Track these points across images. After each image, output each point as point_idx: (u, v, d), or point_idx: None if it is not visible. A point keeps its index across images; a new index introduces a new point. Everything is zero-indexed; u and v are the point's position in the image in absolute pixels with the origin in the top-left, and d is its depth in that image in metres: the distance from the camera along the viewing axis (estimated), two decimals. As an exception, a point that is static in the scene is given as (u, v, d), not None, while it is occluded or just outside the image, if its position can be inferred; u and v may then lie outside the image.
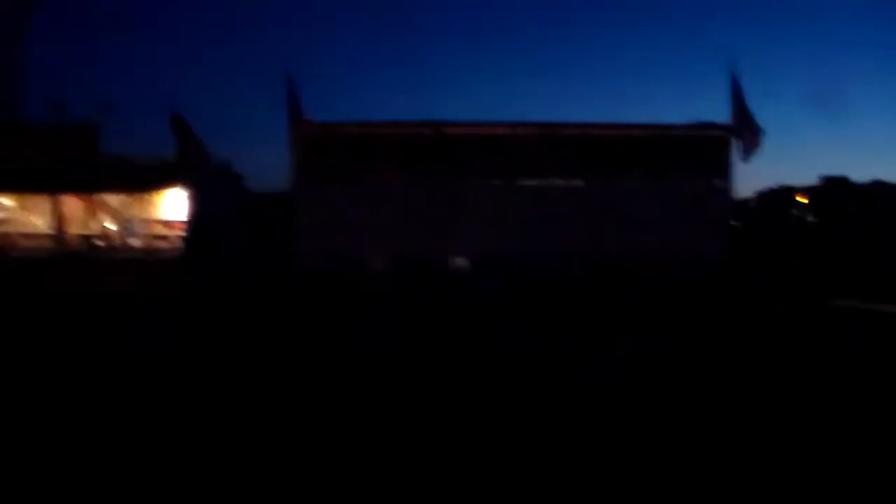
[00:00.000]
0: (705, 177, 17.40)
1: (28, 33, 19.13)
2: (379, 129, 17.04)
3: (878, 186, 27.58)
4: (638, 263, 16.64)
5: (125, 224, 18.86)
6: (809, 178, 37.58)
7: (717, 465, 5.00)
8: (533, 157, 17.19)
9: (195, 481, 4.87)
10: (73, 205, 18.90)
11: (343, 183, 16.84)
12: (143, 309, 14.86)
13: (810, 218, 28.11)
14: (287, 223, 18.21)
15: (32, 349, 10.20)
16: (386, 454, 5.44)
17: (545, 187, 17.28)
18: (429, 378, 8.32)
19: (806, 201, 28.85)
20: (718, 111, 18.20)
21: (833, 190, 27.77)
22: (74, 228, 18.88)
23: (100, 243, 18.45)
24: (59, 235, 17.79)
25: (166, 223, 18.90)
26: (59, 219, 17.65)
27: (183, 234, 18.44)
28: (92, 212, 18.93)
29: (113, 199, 18.94)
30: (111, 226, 18.96)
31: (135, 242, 18.74)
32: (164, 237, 18.77)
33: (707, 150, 17.42)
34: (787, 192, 28.92)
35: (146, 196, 18.74)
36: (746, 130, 17.22)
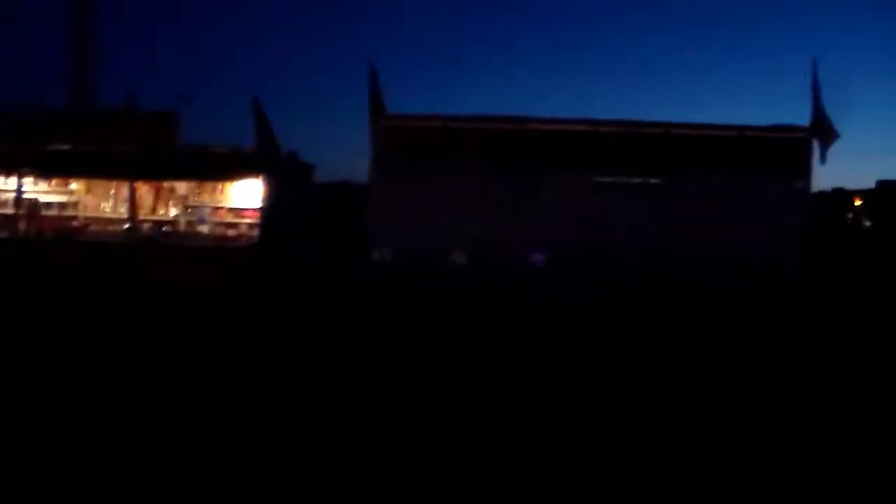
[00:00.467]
0: (784, 178, 17.26)
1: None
2: (460, 123, 16.94)
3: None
4: (714, 263, 16.53)
5: (195, 211, 18.82)
6: (866, 181, 37.35)
7: None
8: (612, 155, 17.08)
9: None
10: (143, 191, 18.88)
11: (422, 176, 16.78)
12: (220, 298, 14.87)
13: (866, 222, 27.92)
14: (361, 214, 18.16)
15: (123, 338, 10.18)
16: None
17: (623, 184, 17.15)
18: (507, 371, 8.24)
19: (860, 204, 28.63)
20: (796, 113, 18.05)
21: (890, 194, 27.55)
22: (144, 215, 18.88)
23: (170, 230, 18.38)
24: (131, 221, 17.71)
25: (234, 211, 18.84)
26: (133, 205, 17.58)
27: (252, 222, 18.41)
28: (162, 198, 18.89)
29: (181, 187, 18.92)
30: (181, 213, 18.93)
31: (204, 230, 18.68)
32: (232, 225, 18.72)
33: (786, 151, 17.28)
34: (843, 195, 28.71)
35: (215, 184, 18.69)
36: (824, 133, 17.11)
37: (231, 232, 18.60)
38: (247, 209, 18.65)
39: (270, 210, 16.96)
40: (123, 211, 19.18)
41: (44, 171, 18.11)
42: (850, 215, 28.69)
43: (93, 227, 18.61)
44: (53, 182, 19.07)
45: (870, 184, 29.87)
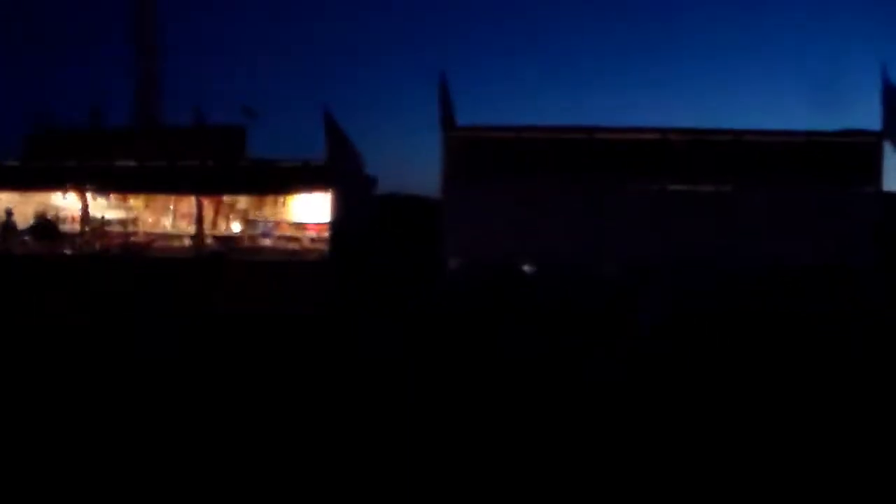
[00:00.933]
0: (855, 183, 17.19)
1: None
2: (530, 133, 16.89)
3: None
4: (787, 270, 16.49)
5: (259, 225, 18.78)
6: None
7: None
8: (682, 163, 17.03)
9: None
10: (205, 206, 18.83)
11: (494, 187, 16.74)
12: (308, 312, 14.85)
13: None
14: (426, 226, 18.13)
15: (216, 357, 10.12)
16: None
17: (693, 193, 17.09)
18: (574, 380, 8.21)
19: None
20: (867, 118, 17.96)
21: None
22: (209, 230, 18.83)
23: (236, 245, 18.33)
24: (198, 237, 17.67)
25: (296, 225, 18.81)
26: (200, 221, 17.53)
27: (314, 236, 18.37)
28: (222, 213, 18.85)
29: (242, 201, 18.88)
30: (244, 227, 18.89)
31: (267, 243, 18.63)
32: (294, 239, 18.67)
33: (857, 156, 17.20)
34: None
35: (276, 197, 18.66)
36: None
37: (293, 245, 18.55)
38: (309, 223, 18.62)
39: (341, 223, 16.87)
40: (183, 226, 19.17)
41: (110, 188, 18.06)
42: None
43: (158, 243, 18.57)
44: (112, 198, 19.07)
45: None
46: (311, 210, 18.49)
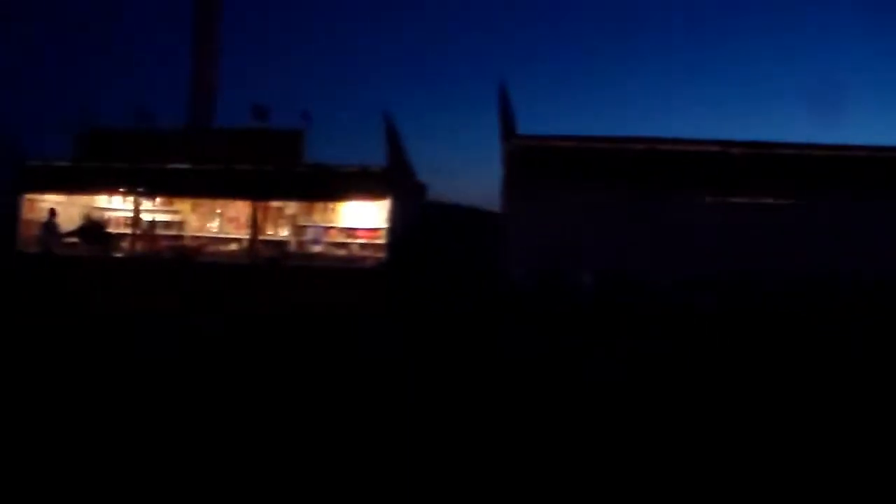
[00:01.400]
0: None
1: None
2: (591, 143, 16.76)
3: None
4: (848, 284, 16.43)
5: (309, 231, 18.58)
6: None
7: None
8: (743, 175, 16.95)
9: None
10: (252, 210, 18.62)
11: (553, 197, 16.61)
12: (370, 319, 14.68)
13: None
14: (479, 236, 18.01)
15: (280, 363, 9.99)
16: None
17: (755, 205, 17.01)
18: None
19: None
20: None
21: None
22: (258, 234, 18.62)
23: (286, 251, 18.13)
24: (251, 242, 17.47)
25: (346, 231, 18.60)
26: (255, 225, 17.33)
27: (364, 242, 18.19)
28: (269, 218, 18.62)
29: (291, 206, 18.64)
30: (293, 232, 18.68)
31: (318, 250, 18.43)
32: (344, 245, 18.48)
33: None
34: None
35: (326, 203, 18.44)
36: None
37: (341, 252, 18.36)
38: (359, 229, 18.42)
39: (396, 230, 16.71)
40: (230, 230, 18.96)
41: (162, 191, 17.84)
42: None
43: (208, 248, 18.35)
44: (158, 201, 18.83)
45: None
46: (360, 216, 18.30)
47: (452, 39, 59.33)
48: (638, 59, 60.01)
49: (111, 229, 18.62)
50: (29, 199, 18.18)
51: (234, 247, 18.82)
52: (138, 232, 17.96)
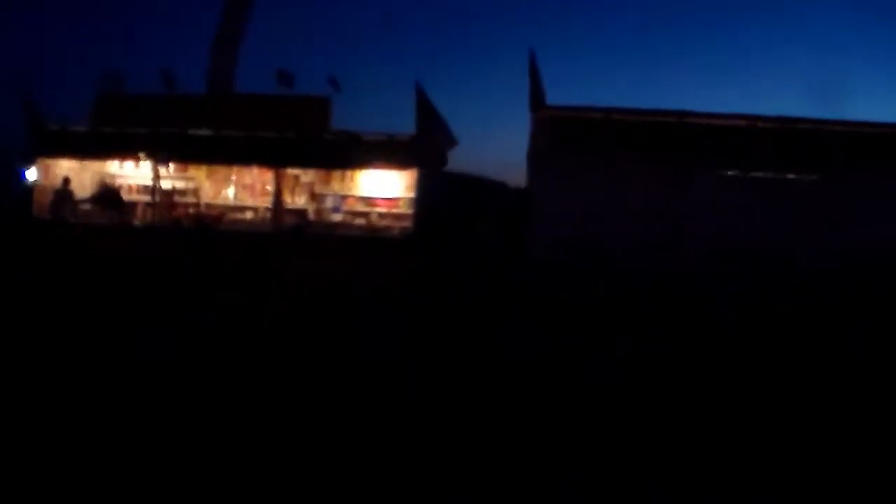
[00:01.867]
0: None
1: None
2: (621, 115, 16.74)
3: None
4: (870, 260, 16.59)
5: (328, 200, 18.37)
6: None
7: None
8: (769, 150, 17.03)
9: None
10: (266, 178, 18.39)
11: (581, 169, 16.57)
12: (403, 291, 14.50)
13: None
14: (504, 207, 17.94)
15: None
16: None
17: (779, 180, 17.13)
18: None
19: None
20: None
21: None
22: (267, 202, 18.39)
23: (306, 219, 17.91)
24: (277, 210, 17.24)
25: (365, 200, 18.41)
26: (279, 193, 17.09)
27: (383, 211, 18.06)
28: (286, 186, 18.35)
29: (309, 174, 18.38)
30: (310, 201, 18.45)
31: (337, 218, 18.25)
32: (363, 214, 18.31)
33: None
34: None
35: (344, 171, 18.22)
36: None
37: (361, 221, 18.20)
38: (378, 198, 18.25)
39: (422, 200, 16.58)
40: (245, 198, 18.72)
41: (182, 157, 17.52)
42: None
43: (227, 216, 18.11)
44: (172, 168, 18.48)
45: None
46: (379, 184, 18.13)
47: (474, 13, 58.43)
48: (665, 32, 59.61)
49: (126, 196, 18.28)
50: (45, 164, 17.75)
51: (249, 215, 18.60)
52: (160, 200, 17.57)
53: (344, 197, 18.41)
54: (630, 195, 16.70)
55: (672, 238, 16.87)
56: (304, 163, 16.93)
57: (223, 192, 18.91)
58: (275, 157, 16.68)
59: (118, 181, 18.74)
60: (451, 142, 16.80)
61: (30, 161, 17.50)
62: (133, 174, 18.62)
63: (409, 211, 17.65)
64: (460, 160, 19.80)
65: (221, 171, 18.72)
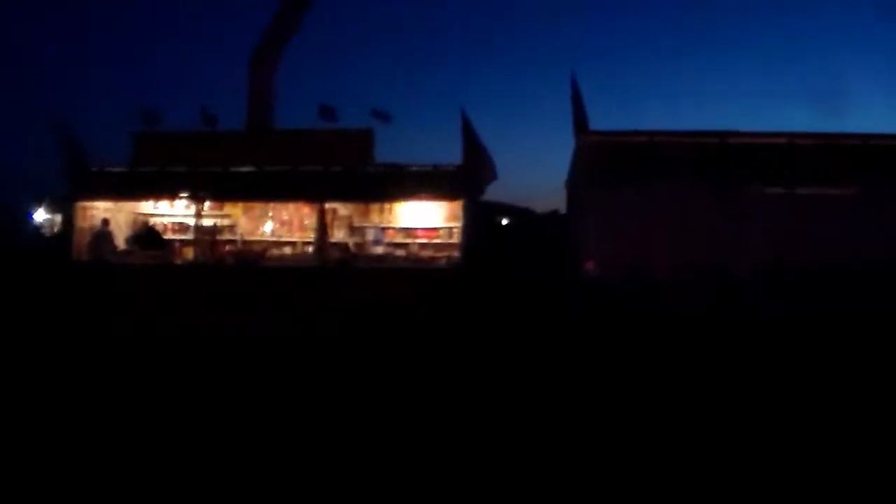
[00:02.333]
0: None
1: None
2: (664, 137, 16.80)
3: None
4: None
5: (370, 232, 18.31)
6: None
7: None
8: (811, 166, 17.11)
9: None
10: (304, 213, 18.31)
11: (626, 192, 16.61)
12: (463, 321, 14.46)
13: None
14: (540, 234, 17.93)
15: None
16: None
17: (822, 196, 17.19)
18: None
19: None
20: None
21: None
22: (304, 237, 18.29)
23: (348, 253, 17.80)
24: (322, 245, 17.14)
25: (405, 231, 18.38)
26: (323, 228, 16.99)
27: (424, 242, 18.03)
28: (328, 220, 18.25)
29: (347, 207, 18.31)
30: (349, 234, 18.37)
31: (379, 251, 18.18)
32: (403, 246, 18.26)
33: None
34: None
35: (382, 204, 18.18)
36: None
37: (400, 252, 18.14)
38: (418, 228, 18.22)
39: (471, 230, 16.54)
40: (283, 233, 18.63)
41: (225, 195, 17.43)
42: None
43: (273, 252, 17.99)
44: (207, 205, 18.35)
45: None
46: (418, 215, 18.12)
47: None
48: (700, 53, 59.94)
49: (166, 235, 18.15)
50: (82, 207, 17.61)
51: (288, 250, 18.50)
52: (202, 237, 17.42)
53: (384, 229, 18.38)
54: (676, 217, 16.73)
55: (719, 257, 16.89)
56: (349, 196, 16.85)
57: (260, 228, 18.80)
58: (318, 192, 16.57)
59: (154, 220, 18.61)
60: (493, 175, 16.77)
61: (68, 203, 17.32)
62: (170, 213, 18.51)
63: (450, 241, 17.64)
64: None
65: (258, 206, 18.63)
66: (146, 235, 17.35)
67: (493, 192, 18.21)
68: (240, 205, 18.58)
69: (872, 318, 15.64)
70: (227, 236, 18.64)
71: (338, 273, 16.13)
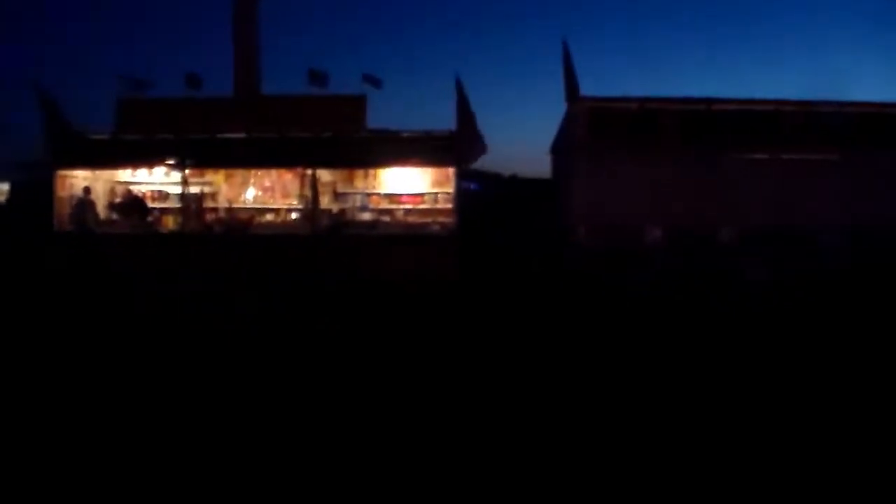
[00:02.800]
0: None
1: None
2: (653, 104, 17.01)
3: None
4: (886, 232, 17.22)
5: (356, 199, 18.12)
6: None
7: None
8: (794, 132, 17.53)
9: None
10: (286, 179, 18.04)
11: (616, 157, 16.82)
12: (464, 286, 14.48)
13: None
14: (545, 199, 18.03)
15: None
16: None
17: (805, 161, 17.65)
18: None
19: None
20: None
21: None
22: (289, 203, 18.05)
23: (344, 219, 17.61)
24: (313, 212, 16.92)
25: (390, 197, 18.21)
26: (315, 195, 16.78)
27: (409, 207, 17.92)
28: (306, 186, 17.97)
29: (329, 173, 18.06)
30: (333, 201, 18.14)
31: (366, 217, 18.03)
32: (388, 212, 18.12)
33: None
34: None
35: (367, 170, 17.98)
36: None
37: (385, 218, 18.00)
38: (403, 195, 18.09)
39: (462, 197, 16.53)
40: (266, 200, 18.32)
41: (212, 162, 17.06)
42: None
43: (255, 219, 17.68)
44: (188, 172, 17.92)
45: None
46: (402, 181, 17.96)
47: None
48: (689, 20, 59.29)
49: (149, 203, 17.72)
50: (62, 176, 17.08)
51: (270, 217, 18.21)
52: (187, 206, 17.06)
53: (368, 195, 18.19)
54: (664, 181, 17.03)
55: (707, 221, 17.26)
56: (340, 163, 16.64)
57: (242, 195, 18.44)
58: (308, 159, 16.33)
59: (133, 189, 18.15)
60: (483, 147, 16.69)
61: (48, 171, 16.78)
62: (149, 180, 18.04)
63: (435, 206, 17.55)
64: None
65: (240, 174, 18.26)
66: (129, 204, 16.92)
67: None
68: (221, 172, 18.15)
69: (844, 275, 16.03)
70: (209, 204, 18.24)
71: (332, 240, 15.95)
